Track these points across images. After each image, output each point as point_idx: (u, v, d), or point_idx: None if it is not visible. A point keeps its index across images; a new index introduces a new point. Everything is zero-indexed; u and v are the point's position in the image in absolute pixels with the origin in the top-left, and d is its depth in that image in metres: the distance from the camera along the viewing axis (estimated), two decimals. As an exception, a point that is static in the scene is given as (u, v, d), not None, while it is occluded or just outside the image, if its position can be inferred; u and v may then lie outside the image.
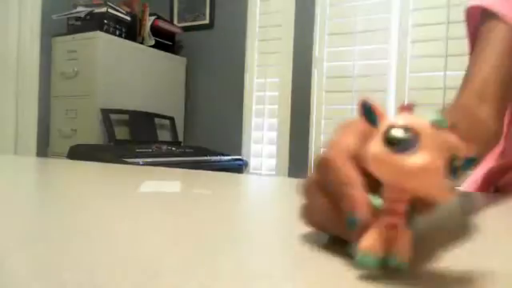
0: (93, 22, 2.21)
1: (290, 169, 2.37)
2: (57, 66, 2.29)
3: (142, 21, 2.51)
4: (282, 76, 2.44)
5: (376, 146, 0.17)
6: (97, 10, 2.22)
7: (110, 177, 0.64)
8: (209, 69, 2.73)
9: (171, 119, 2.58)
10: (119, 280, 0.17)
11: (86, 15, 2.22)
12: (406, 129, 0.17)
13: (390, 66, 2.15)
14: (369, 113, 0.19)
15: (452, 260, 0.22)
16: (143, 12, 2.52)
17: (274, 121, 2.45)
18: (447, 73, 1.98)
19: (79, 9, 2.24)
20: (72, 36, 2.23)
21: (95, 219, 0.29)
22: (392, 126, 0.17)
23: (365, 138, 0.19)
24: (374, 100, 0.19)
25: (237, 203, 0.39)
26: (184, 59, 2.76)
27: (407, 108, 0.18)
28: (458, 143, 0.18)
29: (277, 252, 0.22)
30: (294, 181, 0.63)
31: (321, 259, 0.21)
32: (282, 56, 2.44)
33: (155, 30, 2.53)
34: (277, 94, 2.46)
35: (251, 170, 2.49)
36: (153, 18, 2.52)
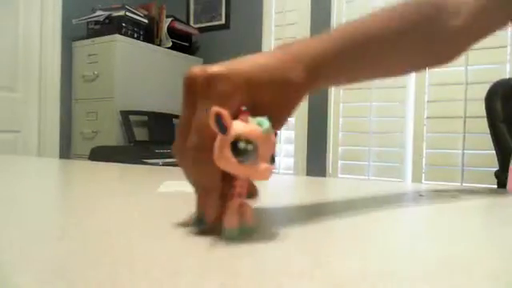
0: (111, 26, 2.25)
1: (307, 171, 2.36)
2: (78, 70, 2.34)
3: (158, 23, 2.54)
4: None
5: (227, 153, 0.23)
6: (115, 14, 2.26)
7: (130, 177, 0.65)
8: (225, 69, 2.74)
9: (189, 120, 2.60)
10: (139, 278, 0.17)
11: (105, 19, 2.26)
12: (248, 141, 0.23)
13: (408, 76, 2.10)
14: (219, 122, 0.22)
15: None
16: (160, 14, 2.54)
17: (291, 133, 2.42)
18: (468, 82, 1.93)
19: (98, 13, 2.28)
20: (92, 40, 2.28)
21: (115, 218, 0.30)
22: (238, 139, 0.22)
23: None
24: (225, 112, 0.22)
25: (254, 202, 0.39)
26: (201, 60, 2.78)
27: (245, 113, 0.23)
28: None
29: (295, 250, 0.22)
30: (312, 179, 0.63)
31: (340, 258, 0.21)
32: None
33: (172, 32, 2.55)
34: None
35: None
36: (169, 19, 2.55)
